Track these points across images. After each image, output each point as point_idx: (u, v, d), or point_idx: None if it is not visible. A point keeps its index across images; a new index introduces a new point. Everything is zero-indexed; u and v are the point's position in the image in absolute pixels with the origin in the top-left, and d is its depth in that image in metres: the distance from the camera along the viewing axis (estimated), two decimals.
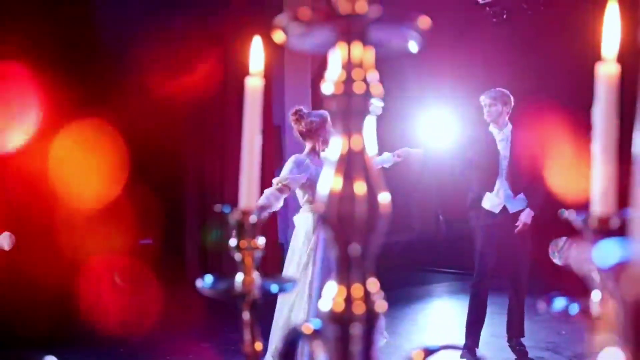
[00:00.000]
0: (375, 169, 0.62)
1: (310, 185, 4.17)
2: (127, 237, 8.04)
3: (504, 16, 10.00)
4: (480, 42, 9.88)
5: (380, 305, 0.62)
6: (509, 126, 5.08)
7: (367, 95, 0.61)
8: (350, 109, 0.61)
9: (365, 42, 0.61)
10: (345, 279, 0.61)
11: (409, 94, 10.01)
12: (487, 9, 10.10)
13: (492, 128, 5.05)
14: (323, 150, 4.33)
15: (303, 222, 4.25)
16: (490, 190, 4.96)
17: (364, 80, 0.61)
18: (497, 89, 5.10)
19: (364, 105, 0.61)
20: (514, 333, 5.18)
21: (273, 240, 8.21)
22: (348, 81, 0.61)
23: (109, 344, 5.65)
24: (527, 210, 4.95)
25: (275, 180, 4.08)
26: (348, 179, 0.60)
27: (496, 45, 9.82)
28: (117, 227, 7.63)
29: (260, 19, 6.87)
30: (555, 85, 8.18)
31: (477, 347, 5.03)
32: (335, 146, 0.62)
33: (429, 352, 0.68)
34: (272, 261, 7.48)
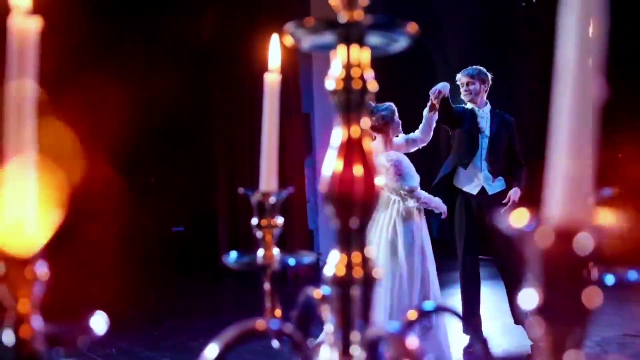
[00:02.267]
0: (371, 154, 0.72)
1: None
2: (160, 225, 8.26)
3: (533, 1, 9.92)
4: (509, 27, 9.83)
5: (377, 271, 0.72)
6: (488, 106, 4.92)
7: (364, 90, 0.72)
8: (349, 102, 0.71)
9: (362, 44, 0.71)
10: (346, 248, 0.71)
11: (437, 81, 10.00)
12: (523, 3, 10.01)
13: (471, 106, 4.89)
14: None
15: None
16: (465, 167, 4.81)
17: (361, 77, 0.71)
18: (475, 66, 4.93)
19: (361, 99, 0.72)
20: (518, 320, 4.89)
21: (303, 227, 8.35)
22: (347, 79, 0.71)
23: (145, 327, 5.85)
24: (515, 189, 4.81)
25: (402, 191, 4.25)
26: (348, 163, 0.71)
27: (525, 30, 9.75)
28: (150, 216, 7.85)
29: (288, 18, 7.01)
30: None
31: (481, 327, 5.00)
32: (337, 134, 0.72)
33: (422, 312, 0.78)
34: (302, 247, 7.63)
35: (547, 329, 0.41)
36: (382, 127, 4.39)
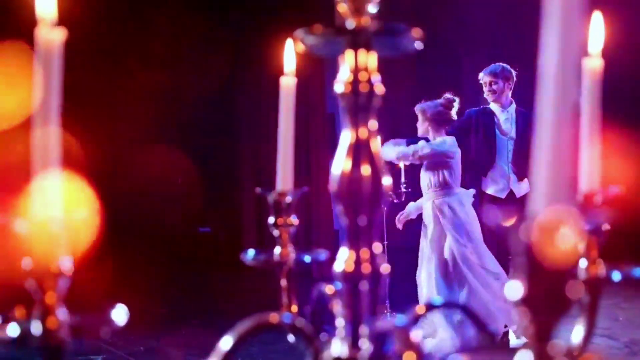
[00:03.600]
0: (379, 155, 0.75)
1: (449, 168, 4.33)
2: (187, 226, 8.36)
3: None
4: (534, 27, 9.74)
5: (385, 267, 0.75)
6: (513, 105, 4.73)
7: (372, 94, 0.75)
8: (357, 105, 0.74)
9: (369, 49, 0.74)
10: (354, 245, 0.74)
11: (463, 76, 9.98)
12: None
13: (495, 107, 4.70)
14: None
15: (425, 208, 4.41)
16: (484, 175, 4.70)
17: (369, 81, 0.74)
18: (498, 64, 4.73)
19: (368, 102, 0.75)
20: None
21: (329, 227, 8.38)
22: (355, 82, 0.74)
23: (172, 325, 5.93)
24: None
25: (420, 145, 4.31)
26: (356, 163, 0.74)
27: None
28: (177, 216, 7.95)
29: (314, 20, 7.03)
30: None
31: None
32: (346, 135, 0.75)
33: (431, 307, 0.81)
34: (327, 246, 7.65)
35: (531, 319, 0.44)
36: (439, 123, 4.40)
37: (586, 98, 0.87)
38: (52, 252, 0.64)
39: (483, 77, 4.72)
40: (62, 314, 0.66)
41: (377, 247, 0.75)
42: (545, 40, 0.44)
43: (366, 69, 0.74)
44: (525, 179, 4.70)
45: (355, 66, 0.74)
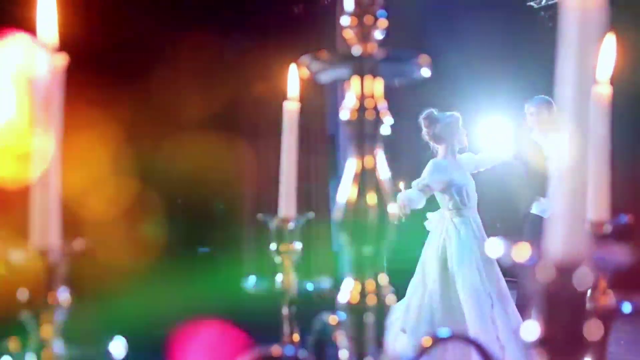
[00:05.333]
0: (385, 183, 0.73)
1: (456, 189, 4.21)
2: (186, 246, 8.32)
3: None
4: (536, 48, 9.80)
5: (390, 298, 0.73)
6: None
7: (378, 121, 0.73)
8: (363, 133, 0.73)
9: (375, 76, 0.73)
10: (360, 275, 0.73)
11: (465, 104, 9.99)
12: (542, 13, 10.01)
13: (537, 136, 4.85)
14: (459, 152, 4.38)
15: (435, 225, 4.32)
16: (543, 195, 4.76)
17: (375, 108, 0.73)
18: (541, 96, 4.88)
19: (375, 130, 0.73)
20: None
21: (327, 249, 8.35)
22: (361, 109, 0.73)
23: (168, 346, 5.87)
24: None
25: (415, 182, 4.16)
26: (362, 191, 0.72)
27: (553, 49, 9.69)
28: (176, 236, 7.91)
29: (314, 39, 7.11)
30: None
31: None
32: (350, 164, 0.73)
33: (437, 339, 0.79)
34: (326, 268, 7.63)
35: None
36: (444, 136, 4.27)
37: (594, 126, 0.86)
38: (49, 283, 0.63)
39: (528, 108, 4.86)
40: (58, 347, 0.64)
41: (383, 277, 0.73)
42: (561, 72, 0.43)
43: (372, 96, 0.73)
44: None
45: (361, 93, 0.73)
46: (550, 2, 9.91)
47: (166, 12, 7.59)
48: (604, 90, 0.86)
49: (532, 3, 10.07)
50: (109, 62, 6.85)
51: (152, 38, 7.58)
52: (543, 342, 0.42)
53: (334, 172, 8.77)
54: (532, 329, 0.42)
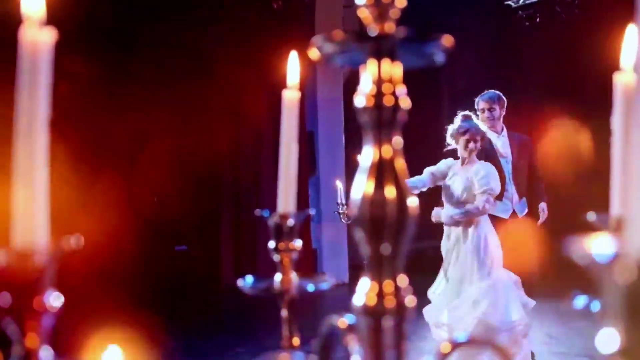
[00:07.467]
0: (404, 176, 0.67)
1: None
2: (163, 244, 8.21)
3: (537, 20, 9.94)
4: (514, 47, 9.84)
5: (410, 300, 0.67)
6: (504, 130, 4.77)
7: (396, 107, 0.67)
8: (381, 120, 0.67)
9: (393, 59, 0.67)
10: (377, 276, 0.66)
11: (442, 102, 10.00)
12: (520, 12, 10.05)
13: (490, 134, 4.58)
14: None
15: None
16: (501, 198, 4.54)
17: (393, 93, 0.67)
18: (492, 90, 4.73)
19: (393, 117, 0.67)
20: None
21: (307, 246, 8.30)
22: (378, 95, 0.67)
23: (145, 347, 5.76)
24: (543, 203, 4.79)
25: (482, 190, 4.01)
26: (379, 184, 0.66)
27: (530, 49, 9.75)
28: (153, 234, 7.79)
29: (294, 35, 7.04)
30: (589, 89, 8.08)
31: None
32: (367, 154, 0.67)
33: (456, 344, 0.73)
34: (306, 265, 7.59)
35: None
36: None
37: (617, 116, 0.81)
38: (35, 287, 0.56)
39: (479, 103, 4.69)
40: (46, 356, 0.57)
41: (402, 279, 0.67)
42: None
43: (390, 80, 0.67)
44: (524, 198, 4.79)
45: (378, 77, 0.67)
46: (528, 2, 9.97)
47: (142, 5, 7.47)
48: (627, 77, 0.81)
49: (510, 2, 10.11)
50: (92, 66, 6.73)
51: (126, 33, 7.46)
52: (625, 353, 0.36)
53: (313, 169, 8.71)
54: (611, 339, 0.37)
